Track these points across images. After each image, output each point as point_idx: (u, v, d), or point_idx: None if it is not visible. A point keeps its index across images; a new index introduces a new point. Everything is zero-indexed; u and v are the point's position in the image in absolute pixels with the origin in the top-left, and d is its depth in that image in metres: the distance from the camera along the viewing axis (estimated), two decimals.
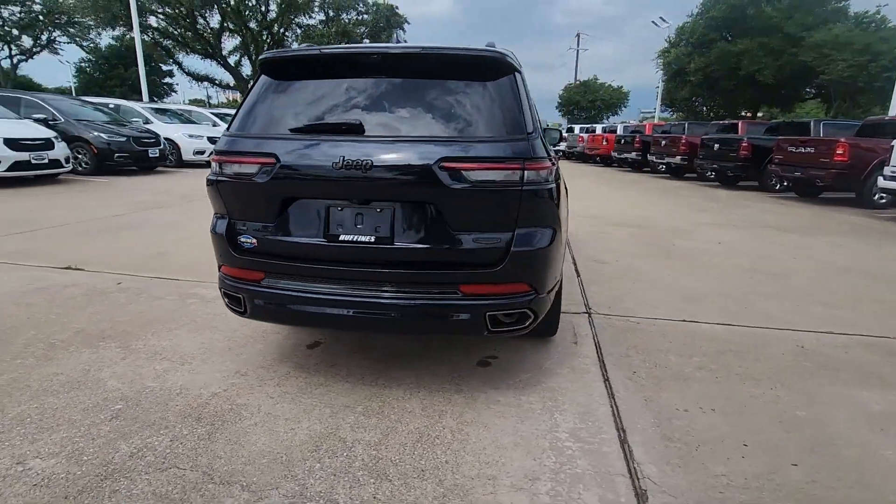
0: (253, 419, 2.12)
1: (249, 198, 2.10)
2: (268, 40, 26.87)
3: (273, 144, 2.02)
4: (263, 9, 25.89)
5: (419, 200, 1.99)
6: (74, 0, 23.32)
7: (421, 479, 1.78)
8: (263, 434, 2.02)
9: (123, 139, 10.99)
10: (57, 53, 37.88)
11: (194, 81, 30.75)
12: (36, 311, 3.23)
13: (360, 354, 2.74)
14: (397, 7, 26.14)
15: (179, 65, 29.72)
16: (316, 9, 25.34)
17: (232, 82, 28.84)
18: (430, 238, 2.01)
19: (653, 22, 27.28)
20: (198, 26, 25.94)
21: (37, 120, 9.98)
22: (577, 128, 24.22)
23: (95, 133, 10.69)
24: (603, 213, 7.78)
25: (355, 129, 1.99)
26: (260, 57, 2.20)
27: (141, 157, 11.38)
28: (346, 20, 26.67)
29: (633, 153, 16.78)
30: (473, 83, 2.08)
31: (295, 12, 25.75)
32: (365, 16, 26.78)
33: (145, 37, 26.61)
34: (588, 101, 40.52)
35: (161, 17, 25.62)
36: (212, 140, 13.69)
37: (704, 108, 27.71)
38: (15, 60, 29.12)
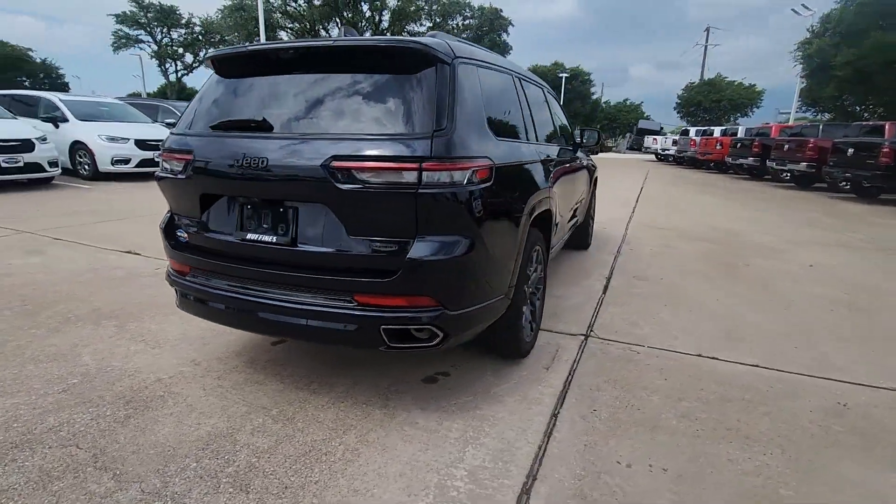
0: (172, 409, 2.18)
1: (178, 193, 2.17)
2: None
3: (192, 141, 2.05)
4: (377, 19, 27.48)
5: (315, 201, 1.89)
6: (221, 21, 26.80)
7: (278, 497, 1.68)
8: (170, 425, 2.06)
9: None
10: None
11: None
12: (78, 288, 3.69)
13: (315, 356, 2.71)
14: (501, 10, 26.21)
15: None
16: (423, 16, 26.29)
17: None
18: (328, 242, 1.89)
19: (793, 10, 23.81)
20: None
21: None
22: (692, 130, 22.07)
23: None
24: (681, 225, 6.94)
25: (262, 127, 1.95)
26: (206, 55, 2.26)
27: None
28: (452, 25, 27.26)
29: (750, 158, 14.82)
30: (388, 76, 1.93)
31: (405, 20, 26.91)
32: (471, 20, 27.15)
33: None
34: (711, 101, 36.67)
35: (289, 31, 28.41)
36: (147, 144, 9.96)
37: (858, 108, 23.44)
38: (179, 74, 34.67)
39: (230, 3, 25.70)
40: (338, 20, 27.05)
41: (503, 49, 28.24)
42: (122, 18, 30.83)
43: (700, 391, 2.44)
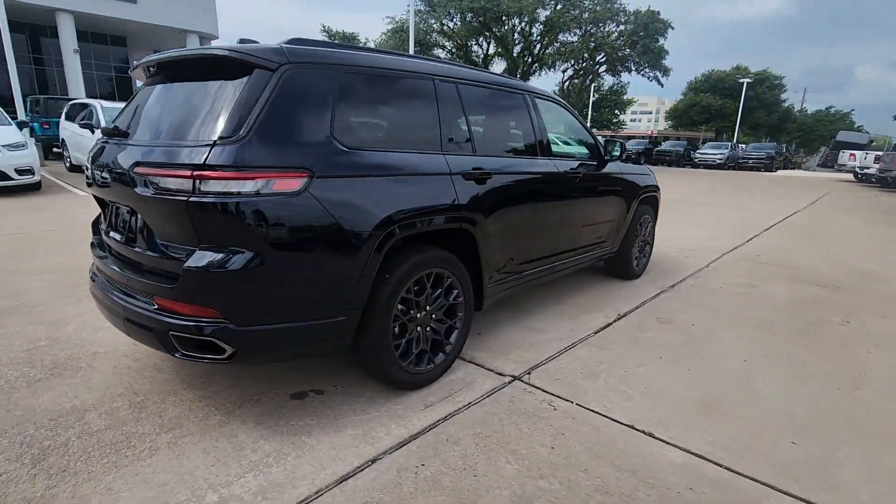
0: (73, 380, 2.48)
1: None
2: (528, 60, 28.45)
3: (94, 147, 2.33)
4: (528, 29, 27.43)
5: (132, 205, 1.98)
6: (385, 43, 29.67)
7: (51, 478, 1.80)
8: (56, 393, 2.35)
9: None
10: None
11: None
12: None
13: None
14: (659, 12, 23.63)
15: None
16: (573, 25, 25.30)
17: None
18: (147, 244, 1.96)
19: None
20: (472, 57, 29.53)
21: None
22: None
23: None
24: (805, 263, 5.50)
25: (120, 133, 2.11)
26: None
27: None
28: (604, 32, 25.71)
29: None
30: (212, 84, 1.92)
31: (557, 31, 26.34)
32: (624, 26, 25.22)
33: None
34: None
35: (444, 48, 30.13)
36: None
37: None
38: None
39: (392, 26, 28.35)
40: (486, 36, 27.84)
41: (657, 55, 25.74)
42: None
43: (580, 472, 1.91)
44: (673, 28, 24.98)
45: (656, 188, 4.67)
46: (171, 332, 1.85)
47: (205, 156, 1.73)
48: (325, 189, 1.92)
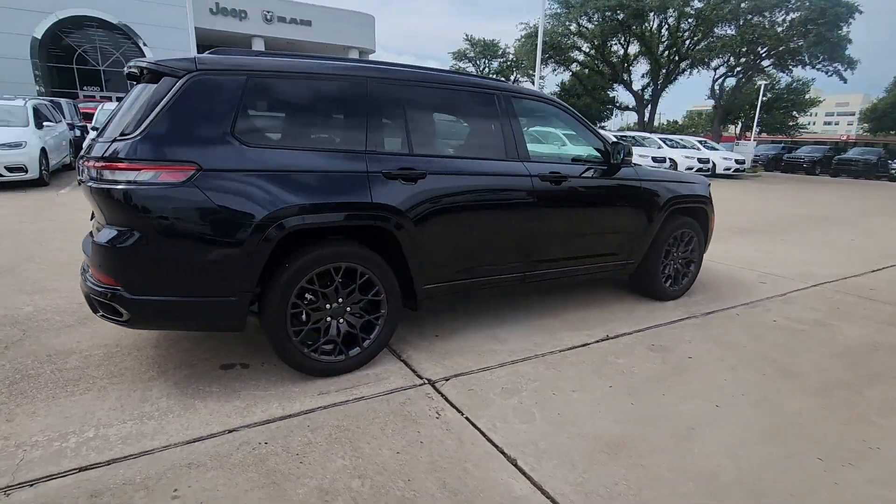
0: (90, 329, 3.11)
1: None
2: (674, 58, 25.68)
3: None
4: (676, 24, 24.81)
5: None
6: (520, 48, 29.51)
7: None
8: (71, 339, 2.97)
9: None
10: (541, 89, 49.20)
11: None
12: None
13: None
14: None
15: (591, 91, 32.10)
16: (730, 17, 22.03)
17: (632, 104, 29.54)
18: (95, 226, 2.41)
19: None
20: (612, 58, 27.81)
21: None
22: None
23: None
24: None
25: (100, 132, 2.60)
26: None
27: None
28: (768, 22, 21.84)
29: None
30: (146, 89, 2.27)
31: (711, 25, 23.42)
32: (795, 13, 21.07)
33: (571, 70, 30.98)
34: None
35: (581, 51, 28.94)
36: None
37: None
38: None
39: (525, 32, 28.14)
40: (626, 35, 25.88)
41: (835, 44, 20.92)
42: (457, 55, 37.99)
43: (402, 481, 1.84)
44: (861, 12, 20.27)
45: (701, 199, 4.05)
46: (91, 296, 2.25)
47: (105, 150, 2.09)
48: (213, 181, 2.15)
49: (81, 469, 1.85)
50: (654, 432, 2.22)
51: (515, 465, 1.96)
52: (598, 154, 3.52)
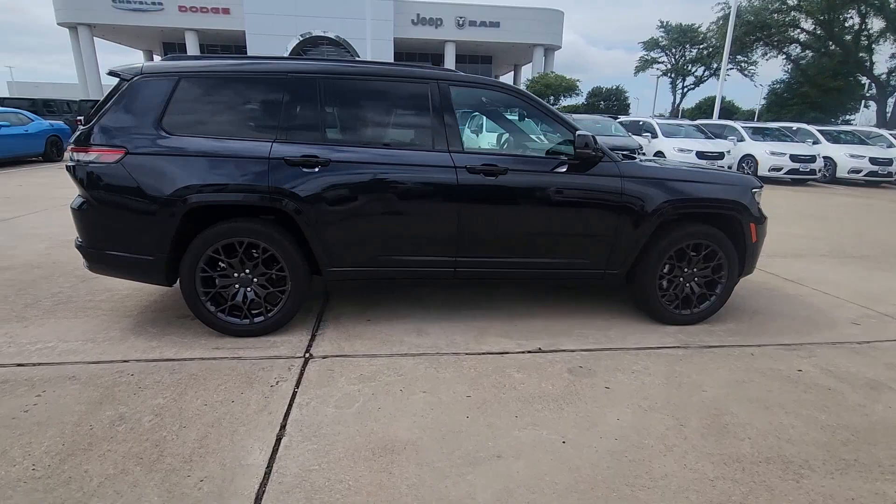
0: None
1: None
2: None
3: None
4: None
5: None
6: (717, 32, 25.26)
7: None
8: (94, 282, 3.99)
9: None
10: (750, 79, 42.01)
11: None
12: None
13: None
14: None
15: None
16: None
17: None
18: None
19: None
20: (843, 36, 21.78)
21: None
22: None
23: None
24: None
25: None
26: None
27: None
28: None
29: None
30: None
31: None
32: None
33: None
34: None
35: (799, 28, 23.33)
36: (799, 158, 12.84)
37: None
38: (685, 90, 35.51)
39: (722, 13, 24.04)
40: (861, 7, 19.73)
41: None
42: (649, 45, 34.61)
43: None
44: None
45: (729, 205, 3.21)
46: (75, 245, 3.05)
47: (75, 137, 2.81)
48: (136, 163, 2.71)
49: (20, 364, 2.59)
50: (441, 448, 2.01)
51: (277, 440, 2.04)
52: (569, 146, 3.12)
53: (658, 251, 3.21)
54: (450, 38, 35.40)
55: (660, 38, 34.16)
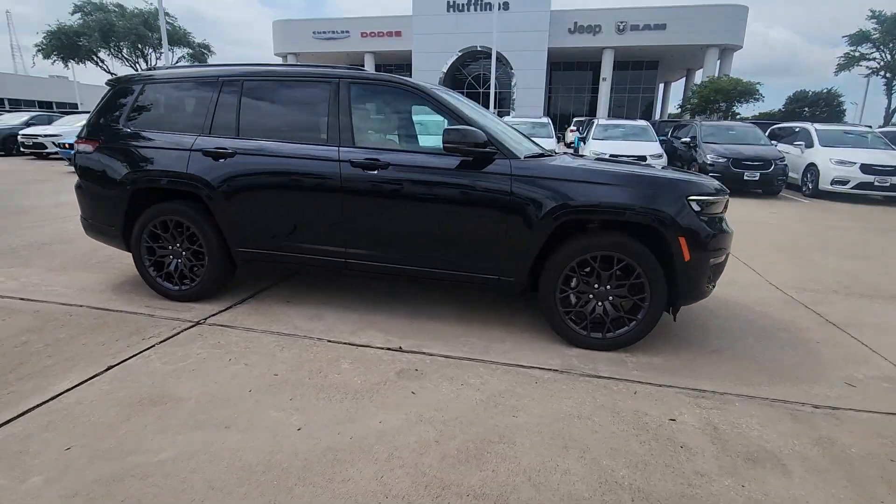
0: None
1: None
2: None
3: None
4: None
5: None
6: None
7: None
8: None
9: None
10: None
11: None
12: None
13: None
14: None
15: None
16: None
17: None
18: None
19: None
20: None
21: None
22: None
23: None
24: None
25: None
26: None
27: None
28: None
29: None
30: None
31: None
32: None
33: None
34: None
35: None
36: (872, 168, 9.90)
37: None
38: None
39: None
40: None
41: None
42: (855, 39, 27.60)
43: None
44: None
45: (653, 214, 2.67)
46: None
47: (79, 131, 3.66)
48: (105, 151, 3.43)
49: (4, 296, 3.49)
50: (195, 407, 2.17)
51: (92, 376, 2.44)
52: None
53: (556, 261, 2.84)
54: (608, 44, 33.79)
55: (871, 31, 27.19)
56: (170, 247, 3.45)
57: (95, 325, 3.05)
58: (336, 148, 3.09)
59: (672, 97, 46.64)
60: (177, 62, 41.42)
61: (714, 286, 3.01)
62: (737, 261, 5.01)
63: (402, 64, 39.24)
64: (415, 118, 3.78)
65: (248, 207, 3.24)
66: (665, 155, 11.36)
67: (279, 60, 42.84)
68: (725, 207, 3.06)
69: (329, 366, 2.64)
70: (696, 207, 2.73)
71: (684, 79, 41.26)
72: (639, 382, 2.56)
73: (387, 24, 37.50)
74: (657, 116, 38.62)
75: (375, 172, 3.00)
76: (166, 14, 39.38)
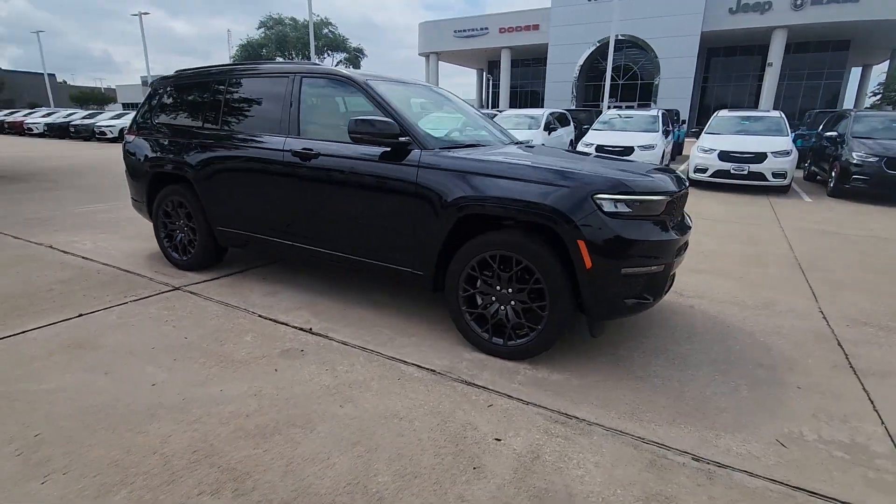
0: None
1: None
2: None
3: None
4: None
5: None
6: None
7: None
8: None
9: None
10: None
11: None
12: None
13: None
14: None
15: None
16: None
17: None
18: None
19: None
20: None
21: None
22: None
23: None
24: None
25: None
26: None
27: None
28: None
29: None
30: None
31: None
32: None
33: None
34: None
35: None
36: None
37: None
38: None
39: None
40: None
41: None
42: None
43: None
44: None
45: (537, 210, 2.37)
46: None
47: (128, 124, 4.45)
48: (138, 138, 4.14)
49: (50, 246, 4.39)
50: (100, 354, 2.57)
51: (63, 320, 3.02)
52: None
53: (458, 258, 2.69)
54: (781, 23, 28.93)
55: None
56: (176, 223, 4.04)
57: (106, 282, 3.73)
58: (284, 137, 3.31)
59: (873, 84, 38.23)
60: (336, 65, 46.29)
61: (652, 300, 2.55)
62: (803, 281, 4.11)
63: (538, 58, 38.54)
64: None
65: (219, 190, 3.64)
66: (668, 144, 11.70)
67: (422, 60, 45.24)
68: (674, 208, 2.57)
69: (235, 337, 2.88)
70: (608, 207, 2.35)
71: (888, 62, 33.56)
72: (506, 396, 2.32)
73: (524, 18, 37.11)
74: (844, 106, 32.06)
75: (307, 162, 3.15)
76: (329, 23, 44.38)
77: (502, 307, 2.65)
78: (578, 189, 2.38)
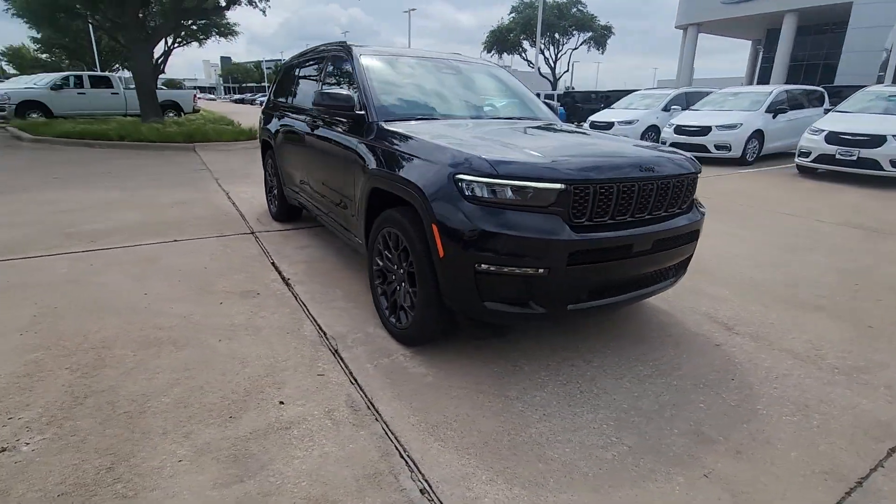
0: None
1: None
2: None
3: None
4: None
5: None
6: None
7: None
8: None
9: None
10: None
11: None
12: None
13: None
14: None
15: None
16: None
17: None
18: None
19: None
20: None
21: None
22: None
23: None
24: None
25: None
26: None
27: None
28: None
29: None
30: None
31: None
32: None
33: None
34: None
35: None
36: None
37: None
38: None
39: None
40: None
41: None
42: None
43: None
44: None
45: (406, 187, 2.18)
46: None
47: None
48: (264, 115, 5.18)
49: (227, 194, 5.76)
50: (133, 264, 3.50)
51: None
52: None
53: (372, 231, 2.67)
54: None
55: None
56: (273, 181, 4.95)
57: (222, 222, 4.86)
58: (306, 112, 3.74)
59: None
60: (580, 45, 45.32)
61: (546, 311, 2.08)
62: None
63: (833, 23, 30.03)
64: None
65: (285, 155, 4.31)
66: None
67: (679, 33, 40.08)
68: (565, 201, 2.02)
69: (232, 273, 3.49)
70: (471, 191, 2.02)
71: None
72: (347, 372, 2.28)
73: None
74: None
75: (312, 130, 3.51)
76: (578, 1, 43.35)
77: (398, 287, 2.55)
78: (441, 168, 2.10)
